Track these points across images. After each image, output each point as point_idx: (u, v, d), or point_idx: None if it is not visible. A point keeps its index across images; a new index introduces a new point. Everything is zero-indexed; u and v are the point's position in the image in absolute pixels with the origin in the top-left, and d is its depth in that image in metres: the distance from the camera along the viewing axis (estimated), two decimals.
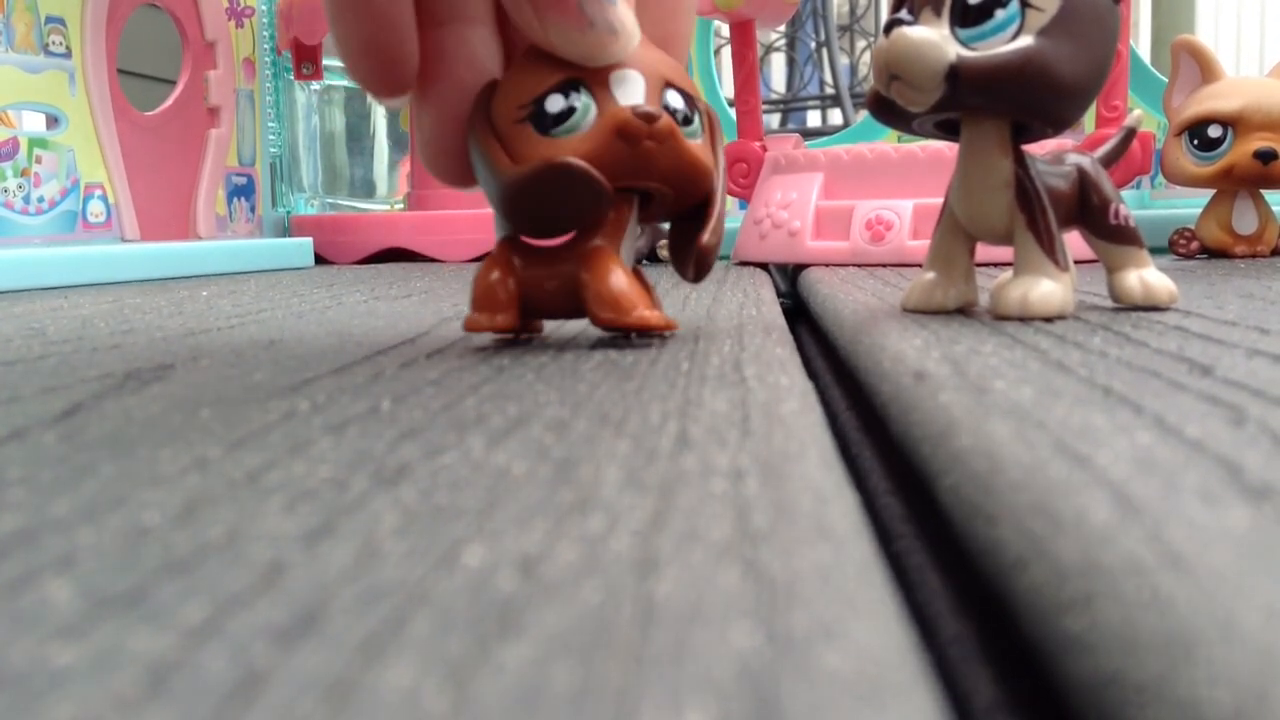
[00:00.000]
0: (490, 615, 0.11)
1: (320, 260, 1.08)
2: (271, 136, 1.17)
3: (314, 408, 0.24)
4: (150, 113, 0.97)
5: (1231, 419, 0.19)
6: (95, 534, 0.14)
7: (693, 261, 0.34)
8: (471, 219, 1.09)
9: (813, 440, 0.19)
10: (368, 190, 1.47)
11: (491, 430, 0.21)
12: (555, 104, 0.31)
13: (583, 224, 0.32)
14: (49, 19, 0.85)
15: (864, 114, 1.26)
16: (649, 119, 0.31)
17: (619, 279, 0.32)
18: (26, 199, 0.83)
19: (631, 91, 0.31)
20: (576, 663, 0.10)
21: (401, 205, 1.31)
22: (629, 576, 0.12)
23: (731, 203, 1.18)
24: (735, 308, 0.46)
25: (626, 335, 0.34)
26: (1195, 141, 0.78)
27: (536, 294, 0.33)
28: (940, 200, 0.39)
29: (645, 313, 0.31)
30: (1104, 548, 0.12)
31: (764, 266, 0.79)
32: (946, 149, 0.71)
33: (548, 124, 0.31)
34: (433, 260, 1.08)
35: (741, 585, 0.12)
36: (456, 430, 0.21)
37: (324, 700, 0.09)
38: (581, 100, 0.31)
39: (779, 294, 0.67)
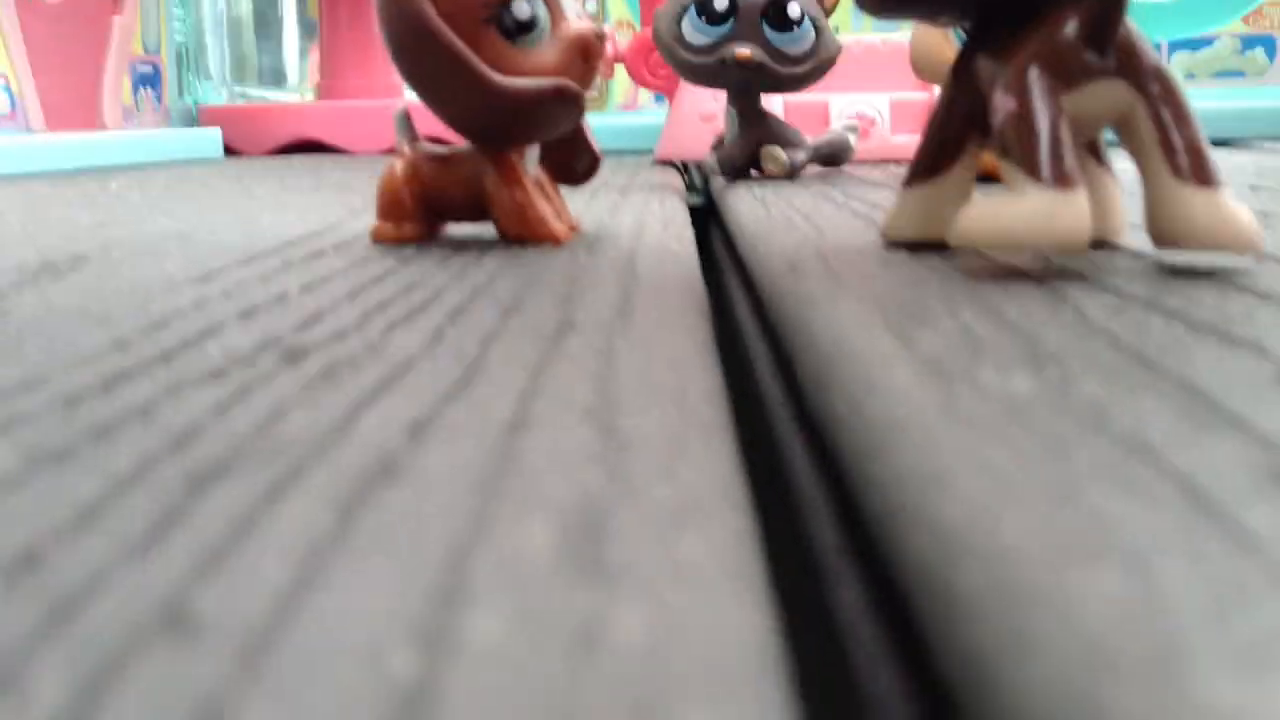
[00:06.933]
0: (377, 465, 0.13)
1: (230, 151, 1.07)
2: (177, 23, 1.14)
3: (224, 294, 0.25)
4: (52, 0, 0.94)
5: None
6: (28, 404, 0.16)
7: (584, 170, 0.36)
8: (383, 111, 1.08)
9: (687, 324, 0.21)
10: (277, 79, 1.44)
11: (392, 316, 0.22)
12: (522, 10, 0.32)
13: (554, 136, 0.34)
14: None
15: None
16: (601, 40, 0.33)
17: (524, 193, 0.33)
18: None
19: (570, 2, 0.33)
20: (446, 498, 0.12)
21: (312, 95, 1.29)
22: (503, 434, 0.14)
23: (647, 95, 1.17)
24: (640, 203, 0.48)
25: None
26: None
27: (441, 200, 0.34)
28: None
29: (551, 228, 0.33)
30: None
31: (677, 165, 0.80)
32: (880, 43, 0.73)
33: (512, 30, 0.32)
34: (343, 152, 1.07)
35: (596, 440, 0.14)
36: (360, 316, 0.22)
37: (232, 530, 0.11)
38: (541, 10, 0.32)
39: (691, 189, 0.68)
